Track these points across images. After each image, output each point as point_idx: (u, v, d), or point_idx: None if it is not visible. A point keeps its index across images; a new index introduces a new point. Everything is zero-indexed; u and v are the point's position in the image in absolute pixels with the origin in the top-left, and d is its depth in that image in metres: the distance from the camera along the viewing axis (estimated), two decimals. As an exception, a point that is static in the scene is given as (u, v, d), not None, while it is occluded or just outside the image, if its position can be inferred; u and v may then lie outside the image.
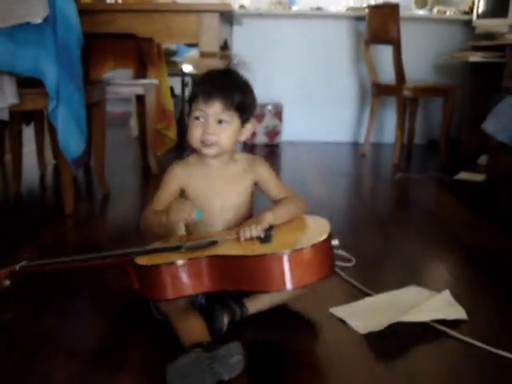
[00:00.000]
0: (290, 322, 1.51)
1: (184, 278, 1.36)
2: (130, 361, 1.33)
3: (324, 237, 1.40)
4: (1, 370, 1.28)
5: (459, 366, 1.34)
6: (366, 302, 1.63)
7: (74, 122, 2.26)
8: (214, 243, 1.46)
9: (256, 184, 1.64)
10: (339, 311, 1.57)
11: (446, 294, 1.66)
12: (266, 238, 1.42)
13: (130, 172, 3.57)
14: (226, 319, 1.42)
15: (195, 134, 1.52)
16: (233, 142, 1.56)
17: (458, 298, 1.65)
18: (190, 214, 1.45)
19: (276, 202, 1.63)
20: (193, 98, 1.53)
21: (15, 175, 2.94)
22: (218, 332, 1.38)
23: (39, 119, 3.37)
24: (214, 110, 1.49)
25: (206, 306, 1.46)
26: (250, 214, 1.65)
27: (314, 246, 1.36)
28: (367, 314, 1.56)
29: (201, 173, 1.60)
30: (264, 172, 1.63)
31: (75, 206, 2.52)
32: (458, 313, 1.57)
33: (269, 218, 1.49)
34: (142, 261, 1.41)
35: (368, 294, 1.68)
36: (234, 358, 1.20)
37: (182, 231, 1.60)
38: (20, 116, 3.01)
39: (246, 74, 1.60)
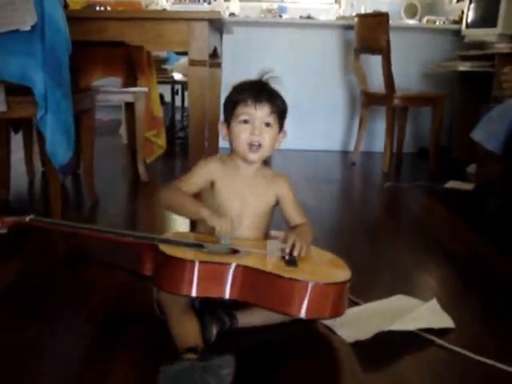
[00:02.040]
0: (278, 331, 1.51)
1: (205, 278, 1.35)
2: (118, 368, 1.32)
3: (347, 278, 1.42)
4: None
5: (446, 375, 1.35)
6: (354, 311, 1.63)
7: (61, 130, 2.25)
8: (235, 252, 1.46)
9: (278, 200, 1.67)
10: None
11: (434, 303, 1.67)
12: (291, 261, 1.42)
13: (119, 179, 3.56)
14: (215, 329, 1.41)
15: (242, 137, 1.57)
16: (272, 148, 1.61)
17: (446, 306, 1.65)
18: (224, 231, 1.47)
19: (296, 226, 1.65)
20: (236, 103, 1.58)
21: (3, 182, 2.92)
22: (207, 341, 1.37)
23: (28, 127, 3.36)
24: (262, 112, 1.56)
25: (197, 312, 1.45)
26: (266, 230, 1.68)
27: (340, 283, 1.39)
28: (355, 322, 1.55)
29: (231, 173, 1.63)
30: (286, 190, 1.67)
31: (64, 213, 2.50)
32: (445, 321, 1.57)
33: (308, 240, 1.53)
34: (167, 249, 1.41)
35: (356, 303, 1.68)
36: (225, 370, 1.20)
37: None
38: (9, 123, 3.00)
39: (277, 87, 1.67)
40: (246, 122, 1.56)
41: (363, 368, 1.36)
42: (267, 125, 1.57)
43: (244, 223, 1.61)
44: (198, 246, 1.47)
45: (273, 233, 1.60)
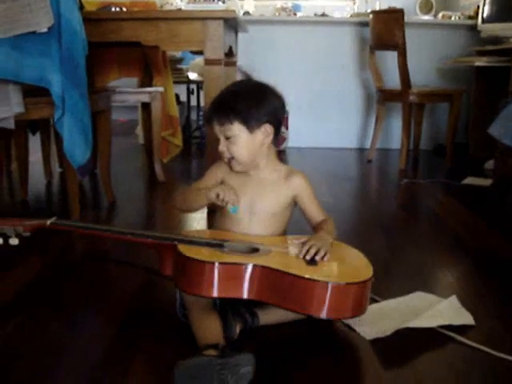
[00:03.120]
0: (297, 329, 1.50)
1: (225, 279, 1.35)
2: (137, 368, 1.33)
3: (368, 276, 1.41)
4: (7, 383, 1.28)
5: (467, 372, 1.34)
6: (373, 308, 1.62)
7: (78, 130, 2.27)
8: (256, 250, 1.46)
9: (295, 199, 1.65)
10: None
11: (453, 300, 1.66)
12: (312, 260, 1.42)
13: (136, 179, 3.57)
14: (238, 328, 1.41)
15: (220, 153, 1.59)
16: (249, 153, 1.57)
17: (465, 303, 1.64)
18: (231, 200, 1.51)
19: (318, 224, 1.64)
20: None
21: (22, 183, 2.96)
22: (230, 339, 1.37)
23: (45, 128, 3.38)
24: (216, 129, 1.56)
25: (220, 310, 1.45)
26: (284, 228, 1.67)
27: (360, 283, 1.38)
28: (374, 320, 1.55)
29: (241, 174, 1.63)
30: (304, 188, 1.65)
31: (81, 213, 2.52)
32: (465, 318, 1.56)
33: (330, 241, 1.52)
34: (186, 250, 1.41)
35: (375, 300, 1.68)
36: (244, 368, 1.20)
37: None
38: (26, 125, 3.02)
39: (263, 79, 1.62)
40: (218, 139, 1.58)
41: (383, 365, 1.35)
42: (228, 138, 1.55)
43: (257, 222, 1.61)
44: (219, 246, 1.47)
45: (294, 239, 1.57)
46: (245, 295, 1.37)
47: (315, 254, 1.43)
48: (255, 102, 1.55)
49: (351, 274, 1.42)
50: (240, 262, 1.37)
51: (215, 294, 1.35)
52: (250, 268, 1.36)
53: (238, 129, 1.54)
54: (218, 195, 1.52)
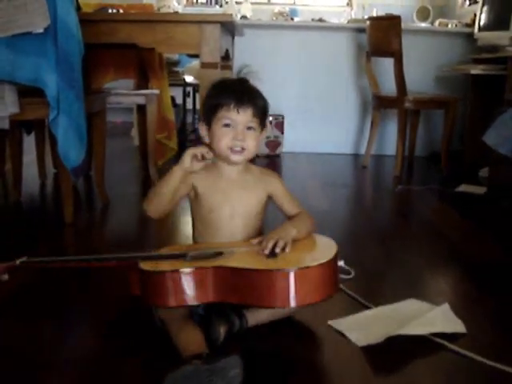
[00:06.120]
0: (288, 334, 1.50)
1: (188, 286, 1.35)
2: (127, 371, 1.32)
3: (330, 257, 1.40)
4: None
5: (457, 380, 1.34)
6: (365, 315, 1.62)
7: (73, 131, 2.26)
8: (219, 254, 1.45)
9: (270, 197, 1.65)
10: (338, 324, 1.56)
11: (446, 308, 1.65)
12: (271, 254, 1.41)
13: (130, 182, 3.57)
14: (222, 329, 1.40)
15: (224, 141, 1.53)
16: (257, 149, 1.58)
17: (458, 311, 1.64)
18: (199, 151, 1.49)
19: (292, 217, 1.63)
20: (217, 106, 1.53)
21: (15, 184, 2.95)
22: (214, 342, 1.37)
23: (40, 128, 3.38)
24: (245, 117, 1.52)
25: (205, 315, 1.45)
26: (260, 228, 1.66)
27: (320, 265, 1.37)
28: (366, 326, 1.54)
29: (213, 176, 1.60)
30: (277, 185, 1.65)
31: (75, 215, 2.51)
32: (456, 326, 1.56)
33: (294, 233, 1.50)
34: (146, 266, 1.41)
35: (367, 307, 1.67)
36: (232, 371, 1.19)
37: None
38: (21, 125, 3.02)
39: (255, 83, 1.61)
40: (228, 125, 1.53)
41: (374, 372, 1.35)
42: (250, 128, 1.54)
43: (237, 224, 1.60)
44: (182, 256, 1.46)
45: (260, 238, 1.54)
46: (210, 298, 1.37)
47: (274, 246, 1.42)
48: (267, 103, 1.59)
49: (313, 258, 1.40)
50: (200, 266, 1.37)
51: (180, 302, 1.36)
52: (208, 270, 1.36)
53: (257, 123, 1.55)
54: (194, 155, 1.50)
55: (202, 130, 1.61)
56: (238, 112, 1.51)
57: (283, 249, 1.42)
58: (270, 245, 1.42)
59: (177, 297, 1.36)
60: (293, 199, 1.68)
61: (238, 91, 1.53)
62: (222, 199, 1.58)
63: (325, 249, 1.48)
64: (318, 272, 1.36)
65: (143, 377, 1.31)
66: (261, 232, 1.65)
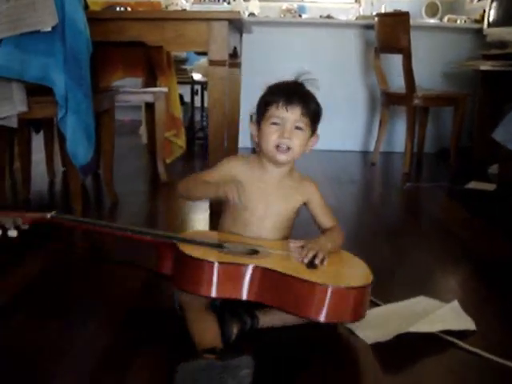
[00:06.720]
0: (298, 332, 1.49)
1: (224, 279, 1.35)
2: (137, 369, 1.32)
3: (368, 281, 1.41)
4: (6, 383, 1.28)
5: (467, 377, 1.33)
6: (375, 312, 1.61)
7: (81, 130, 2.27)
8: (255, 252, 1.46)
9: (305, 205, 1.66)
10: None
11: (455, 305, 1.65)
12: (312, 264, 1.42)
13: (138, 180, 3.57)
14: (235, 329, 1.40)
15: (271, 139, 1.54)
16: (302, 151, 1.58)
17: (467, 308, 1.63)
18: (233, 196, 1.48)
19: (326, 231, 1.64)
20: (267, 105, 1.55)
21: (24, 182, 2.95)
22: (226, 340, 1.37)
23: (49, 127, 3.38)
24: (293, 115, 1.53)
25: (219, 311, 1.44)
26: (288, 233, 1.66)
27: (361, 287, 1.38)
28: (375, 324, 1.54)
29: (257, 175, 1.61)
30: (315, 195, 1.66)
31: (84, 213, 2.51)
32: (466, 323, 1.55)
33: (329, 247, 1.50)
34: (186, 249, 1.40)
35: (376, 304, 1.67)
36: (244, 371, 1.19)
37: None
38: (29, 124, 3.02)
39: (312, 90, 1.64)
40: (276, 124, 1.54)
41: (383, 369, 1.35)
42: (298, 128, 1.54)
43: (266, 225, 1.60)
44: (218, 246, 1.47)
45: (291, 243, 1.55)
46: (244, 296, 1.37)
47: (314, 257, 1.43)
48: (320, 109, 1.64)
49: (351, 279, 1.42)
50: (240, 263, 1.37)
51: (213, 293, 1.35)
52: (250, 269, 1.35)
53: (306, 125, 1.56)
54: (232, 192, 1.50)
55: (253, 130, 1.63)
56: (287, 110, 1.52)
57: (321, 261, 1.43)
58: (311, 255, 1.43)
59: (208, 287, 1.35)
60: (328, 211, 1.68)
61: (289, 90, 1.55)
62: (258, 198, 1.59)
63: (362, 272, 1.48)
64: (355, 294, 1.37)
65: (156, 367, 1.32)
66: (287, 237, 1.65)
